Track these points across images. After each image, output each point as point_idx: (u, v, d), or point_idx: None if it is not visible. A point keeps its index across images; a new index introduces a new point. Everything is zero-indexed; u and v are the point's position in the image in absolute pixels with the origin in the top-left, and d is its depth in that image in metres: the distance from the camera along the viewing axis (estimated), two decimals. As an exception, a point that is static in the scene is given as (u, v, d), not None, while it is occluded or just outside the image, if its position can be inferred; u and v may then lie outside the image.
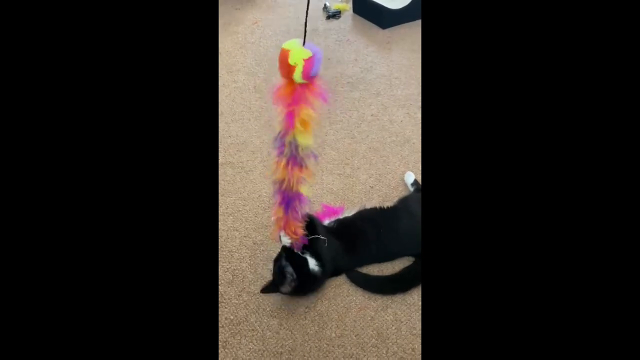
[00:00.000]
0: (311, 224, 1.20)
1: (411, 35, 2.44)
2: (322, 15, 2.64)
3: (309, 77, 0.86)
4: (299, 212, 1.09)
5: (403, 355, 1.09)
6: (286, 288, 1.15)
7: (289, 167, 1.00)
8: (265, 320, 1.17)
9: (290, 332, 1.14)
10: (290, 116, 0.92)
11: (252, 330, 1.15)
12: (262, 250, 1.34)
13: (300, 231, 1.12)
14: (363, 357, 1.09)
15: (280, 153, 0.99)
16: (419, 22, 2.54)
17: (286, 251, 1.18)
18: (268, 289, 1.18)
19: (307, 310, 1.19)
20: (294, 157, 0.99)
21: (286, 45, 0.85)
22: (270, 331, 1.14)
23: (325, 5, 2.68)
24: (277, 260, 1.18)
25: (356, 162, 1.65)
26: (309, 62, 0.84)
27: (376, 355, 1.09)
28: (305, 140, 0.96)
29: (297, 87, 0.88)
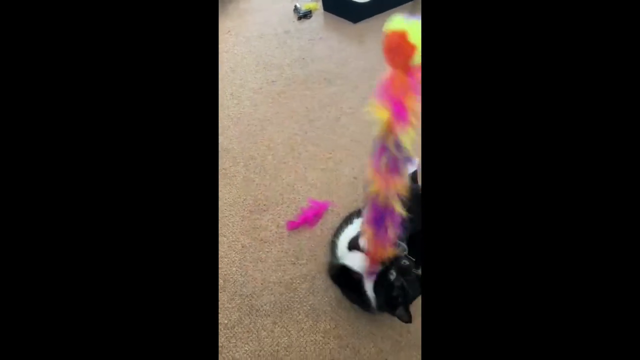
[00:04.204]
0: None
1: (382, 26, 2.45)
2: (293, 17, 2.65)
3: None
4: (390, 233, 0.96)
5: (398, 338, 1.09)
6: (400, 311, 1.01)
7: (387, 175, 0.85)
8: (259, 321, 1.16)
9: (285, 330, 1.14)
10: (401, 110, 0.76)
11: (247, 332, 1.14)
12: (252, 252, 1.34)
13: (386, 256, 1.01)
14: (359, 345, 1.09)
15: (380, 159, 0.84)
16: (388, 14, 2.56)
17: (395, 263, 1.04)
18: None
19: (300, 306, 1.19)
20: (394, 163, 0.84)
21: (391, 26, 0.69)
22: (265, 331, 1.14)
23: (295, 6, 2.70)
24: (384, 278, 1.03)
25: (338, 155, 1.66)
26: None
27: (372, 341, 1.09)
28: (409, 138, 0.79)
29: (413, 73, 0.73)
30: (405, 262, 1.04)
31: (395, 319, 1.00)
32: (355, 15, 2.49)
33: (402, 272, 1.01)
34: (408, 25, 0.67)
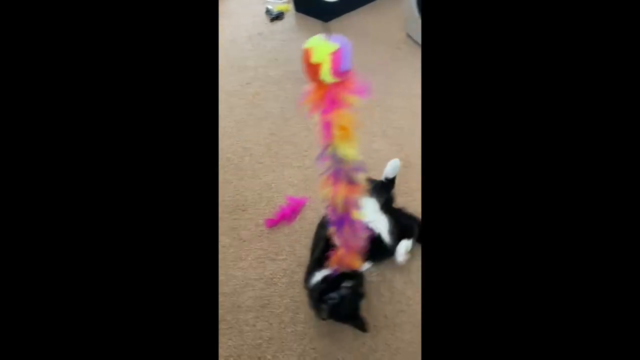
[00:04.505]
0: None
1: (353, 24, 2.50)
2: (265, 19, 2.68)
3: (340, 73, 0.74)
4: (352, 240, 1.02)
5: (376, 323, 1.13)
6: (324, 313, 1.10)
7: (334, 184, 0.90)
8: (241, 317, 1.20)
9: (267, 323, 1.17)
10: (326, 125, 0.81)
11: (229, 328, 1.17)
12: (232, 252, 1.37)
13: (355, 263, 1.07)
14: (338, 333, 1.13)
15: (325, 170, 0.89)
16: (358, 11, 2.61)
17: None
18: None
19: (280, 299, 1.22)
20: (338, 173, 0.88)
21: (308, 43, 0.74)
22: (247, 326, 1.17)
23: (267, 8, 2.73)
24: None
25: (314, 153, 1.69)
26: (336, 56, 0.72)
27: (351, 329, 1.13)
28: (347, 150, 0.84)
29: (329, 89, 0.77)
30: (363, 290, 1.11)
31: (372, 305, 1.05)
32: (326, 14, 2.53)
33: (354, 291, 1.08)
34: (315, 44, 0.73)
